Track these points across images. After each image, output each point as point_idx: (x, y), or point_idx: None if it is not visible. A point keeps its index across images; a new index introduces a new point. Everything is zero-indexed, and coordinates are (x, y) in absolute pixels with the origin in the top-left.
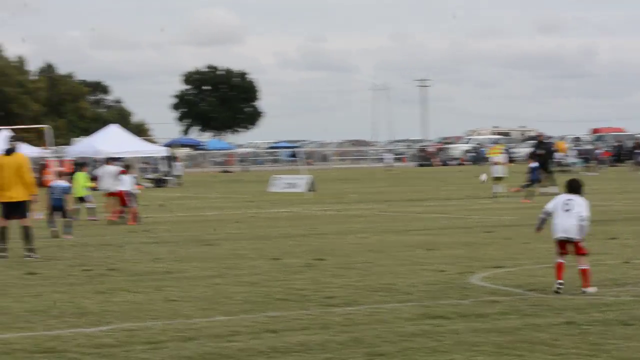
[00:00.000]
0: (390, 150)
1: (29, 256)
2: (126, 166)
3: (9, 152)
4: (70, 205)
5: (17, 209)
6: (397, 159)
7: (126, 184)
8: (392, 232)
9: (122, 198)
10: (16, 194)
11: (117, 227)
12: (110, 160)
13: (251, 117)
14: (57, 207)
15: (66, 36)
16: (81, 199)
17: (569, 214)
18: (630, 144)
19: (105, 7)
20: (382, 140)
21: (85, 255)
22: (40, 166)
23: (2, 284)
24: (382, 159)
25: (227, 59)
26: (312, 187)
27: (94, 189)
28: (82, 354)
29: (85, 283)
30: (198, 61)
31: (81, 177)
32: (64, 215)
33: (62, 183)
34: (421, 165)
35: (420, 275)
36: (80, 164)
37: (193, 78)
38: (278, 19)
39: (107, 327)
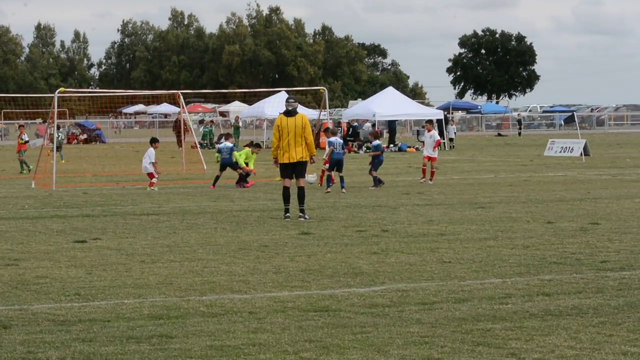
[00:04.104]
0: None
1: (302, 217)
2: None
3: (291, 113)
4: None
5: (297, 169)
6: None
7: None
8: None
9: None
10: (298, 155)
11: (391, 189)
12: None
13: (527, 81)
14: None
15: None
16: None
17: None
18: None
19: None
20: None
21: (359, 217)
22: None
23: (277, 244)
24: None
25: (501, 22)
26: (587, 152)
27: None
28: (355, 313)
29: (359, 244)
30: (472, 24)
31: None
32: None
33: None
34: None
35: None
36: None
37: (470, 42)
38: None
39: (381, 287)
